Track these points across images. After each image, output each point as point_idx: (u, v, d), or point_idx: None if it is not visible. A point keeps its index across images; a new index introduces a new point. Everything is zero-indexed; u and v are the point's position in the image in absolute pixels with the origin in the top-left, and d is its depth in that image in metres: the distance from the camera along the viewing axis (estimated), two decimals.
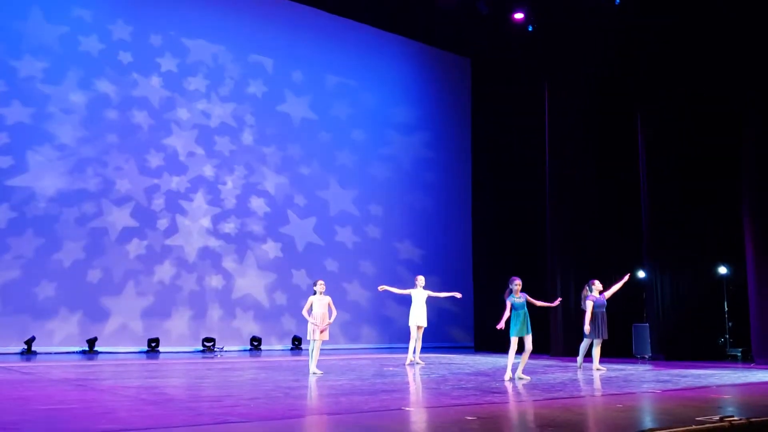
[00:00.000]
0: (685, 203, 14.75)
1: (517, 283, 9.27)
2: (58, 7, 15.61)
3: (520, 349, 9.30)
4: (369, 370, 10.80)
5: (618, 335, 12.07)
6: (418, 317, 12.22)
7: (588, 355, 11.45)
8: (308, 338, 10.04)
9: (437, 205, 20.86)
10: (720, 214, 14.76)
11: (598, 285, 11.47)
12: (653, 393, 7.74)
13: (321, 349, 10.28)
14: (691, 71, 14.95)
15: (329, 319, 9.98)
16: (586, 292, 11.45)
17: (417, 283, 12.47)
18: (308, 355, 10.19)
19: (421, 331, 12.38)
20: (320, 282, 10.08)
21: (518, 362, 9.41)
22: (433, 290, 12.95)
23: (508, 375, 9.16)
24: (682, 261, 14.62)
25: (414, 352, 12.20)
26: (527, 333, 9.24)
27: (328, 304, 10.03)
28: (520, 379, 9.09)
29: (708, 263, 14.75)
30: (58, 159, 15.22)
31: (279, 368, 11.03)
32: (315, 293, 9.99)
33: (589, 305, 11.24)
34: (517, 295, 9.27)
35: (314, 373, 9.70)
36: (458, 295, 12.63)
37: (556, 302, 10.57)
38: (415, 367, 11.53)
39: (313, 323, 9.84)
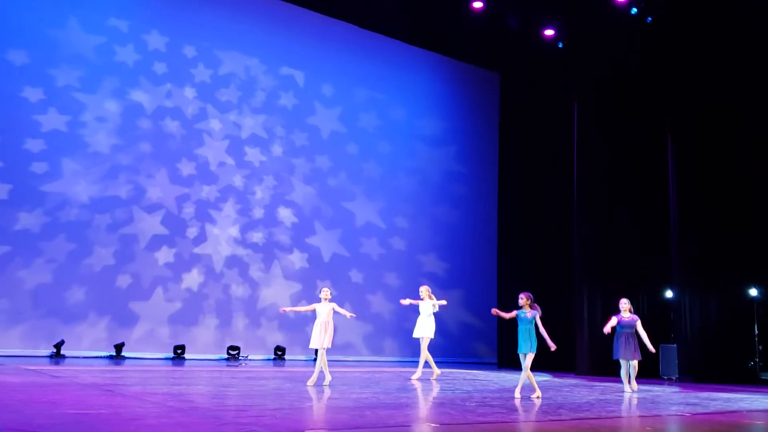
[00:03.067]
0: (717, 222, 14.56)
1: (523, 298, 9.13)
2: (95, 17, 15.95)
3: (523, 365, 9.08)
4: (393, 383, 10.77)
5: (644, 356, 11.87)
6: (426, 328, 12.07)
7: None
8: (312, 346, 9.85)
9: (463, 219, 20.82)
10: (752, 235, 14.54)
11: (624, 304, 11.16)
12: (682, 416, 7.63)
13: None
14: (723, 87, 14.80)
15: (347, 314, 9.89)
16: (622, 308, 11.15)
17: (422, 294, 12.35)
18: (315, 365, 10.02)
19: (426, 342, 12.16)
20: (325, 289, 10.00)
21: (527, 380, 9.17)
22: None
23: (524, 393, 8.99)
24: (711, 281, 14.43)
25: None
26: (531, 351, 8.94)
27: (333, 309, 9.91)
28: (516, 398, 8.85)
29: (738, 284, 14.53)
30: (92, 166, 15.50)
31: (303, 379, 11.05)
32: (320, 300, 9.93)
33: (639, 325, 10.87)
34: (526, 310, 9.11)
35: (327, 384, 9.63)
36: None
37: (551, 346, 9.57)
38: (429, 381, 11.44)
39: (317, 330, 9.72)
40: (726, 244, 14.47)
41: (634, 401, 9.21)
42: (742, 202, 14.55)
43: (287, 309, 10.95)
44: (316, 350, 9.99)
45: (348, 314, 10.04)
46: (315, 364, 9.85)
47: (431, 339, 12.05)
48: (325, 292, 9.92)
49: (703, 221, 14.65)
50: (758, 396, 10.69)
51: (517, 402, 8.40)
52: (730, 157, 14.69)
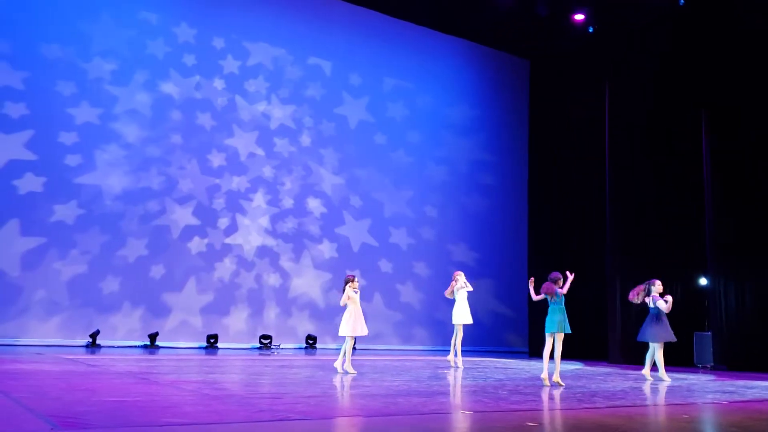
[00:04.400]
0: (752, 206, 14.25)
1: (555, 278, 9.03)
2: (126, 10, 16.12)
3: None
4: (424, 372, 10.79)
5: (679, 344, 11.71)
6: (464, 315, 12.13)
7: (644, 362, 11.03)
8: (345, 334, 10.00)
9: (493, 208, 20.69)
10: None
11: (658, 286, 10.82)
12: (719, 404, 7.52)
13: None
14: (758, 68, 14.44)
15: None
16: (645, 291, 10.80)
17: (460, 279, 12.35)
18: (342, 353, 10.14)
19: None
20: (355, 279, 10.15)
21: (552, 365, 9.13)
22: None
23: (544, 375, 8.92)
24: (747, 268, 14.15)
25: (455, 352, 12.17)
26: (563, 330, 8.83)
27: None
28: (559, 384, 8.81)
29: None
30: (124, 158, 15.71)
31: (335, 367, 11.11)
32: (349, 288, 10.01)
33: (662, 305, 10.56)
34: (559, 288, 8.98)
35: (348, 373, 9.71)
36: None
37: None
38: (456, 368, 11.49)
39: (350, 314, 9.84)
40: (761, 229, 14.17)
41: (663, 389, 9.10)
42: None
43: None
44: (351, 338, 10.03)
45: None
46: (348, 352, 9.94)
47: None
48: (356, 282, 10.03)
49: (737, 207, 14.36)
50: None
51: (552, 389, 8.35)
52: (765, 142, 14.36)
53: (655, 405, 7.36)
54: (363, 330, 9.99)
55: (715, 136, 14.80)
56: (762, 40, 14.32)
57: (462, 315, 12.25)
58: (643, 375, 10.75)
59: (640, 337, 10.92)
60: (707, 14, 15.27)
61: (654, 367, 10.93)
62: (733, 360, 13.71)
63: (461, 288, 12.37)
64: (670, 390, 9.01)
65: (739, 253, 14.24)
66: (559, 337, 8.93)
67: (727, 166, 14.57)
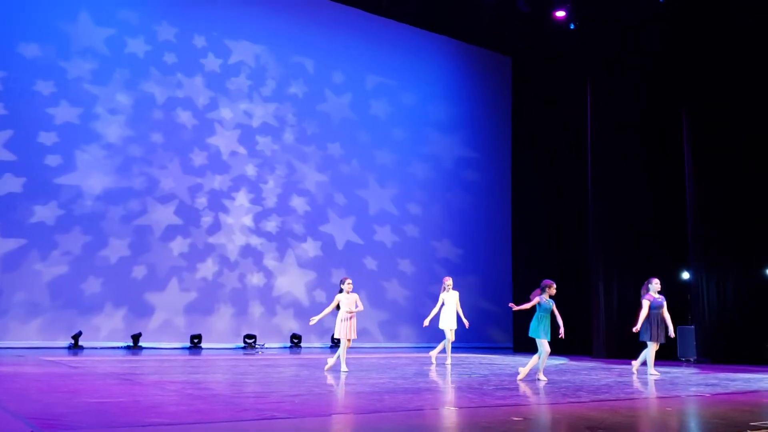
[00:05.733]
0: (732, 203, 14.41)
1: (551, 286, 9.12)
2: (105, 9, 15.95)
3: (534, 350, 9.13)
4: (410, 369, 10.78)
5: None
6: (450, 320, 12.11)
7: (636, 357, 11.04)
8: (337, 336, 9.94)
9: (476, 205, 20.74)
10: None
11: (656, 284, 10.70)
12: (702, 397, 7.57)
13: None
14: (737, 66, 14.59)
15: (356, 310, 9.89)
16: (645, 289, 10.79)
17: (447, 285, 12.31)
18: (336, 355, 10.11)
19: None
20: (348, 280, 10.00)
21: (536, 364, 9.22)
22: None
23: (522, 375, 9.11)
24: (728, 262, 14.30)
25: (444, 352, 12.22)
26: (547, 337, 9.01)
27: (356, 302, 9.94)
28: (539, 380, 8.92)
29: (756, 265, 14.38)
30: (105, 158, 15.55)
31: (320, 366, 11.08)
32: (342, 291, 9.92)
33: (645, 304, 10.50)
34: (547, 298, 9.10)
35: (345, 371, 9.73)
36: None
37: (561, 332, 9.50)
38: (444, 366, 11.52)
39: (344, 318, 9.77)
40: (742, 224, 14.33)
41: (652, 383, 9.16)
42: (759, 183, 14.38)
43: (315, 319, 10.08)
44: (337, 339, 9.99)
45: (360, 308, 10.05)
46: (336, 351, 9.86)
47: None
48: (349, 284, 9.91)
49: (719, 202, 14.50)
50: None
51: (539, 384, 8.38)
52: (745, 138, 14.52)
53: (639, 398, 7.40)
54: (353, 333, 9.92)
55: (696, 136, 14.91)
56: (744, 34, 14.44)
57: (445, 320, 12.17)
58: (630, 367, 10.77)
59: (645, 338, 10.77)
60: (693, 13, 15.36)
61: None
62: (716, 353, 13.83)
63: (447, 293, 12.25)
64: (654, 383, 9.07)
65: (720, 247, 14.38)
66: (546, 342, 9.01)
67: (709, 165, 14.70)
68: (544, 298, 9.06)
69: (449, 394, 7.41)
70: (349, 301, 9.83)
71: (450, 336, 12.12)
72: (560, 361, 13.63)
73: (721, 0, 14.79)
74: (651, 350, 10.56)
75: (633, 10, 16.25)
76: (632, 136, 16.21)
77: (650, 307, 10.55)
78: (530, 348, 17.72)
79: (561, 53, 18.72)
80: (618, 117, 16.40)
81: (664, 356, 14.35)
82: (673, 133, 15.58)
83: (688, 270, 15.16)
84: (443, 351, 12.28)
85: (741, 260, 14.27)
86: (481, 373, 10.40)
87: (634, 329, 10.55)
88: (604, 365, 12.77)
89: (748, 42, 14.45)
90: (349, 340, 9.87)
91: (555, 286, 9.20)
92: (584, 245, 17.04)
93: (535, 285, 17.82)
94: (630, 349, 14.85)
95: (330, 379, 8.65)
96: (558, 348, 15.88)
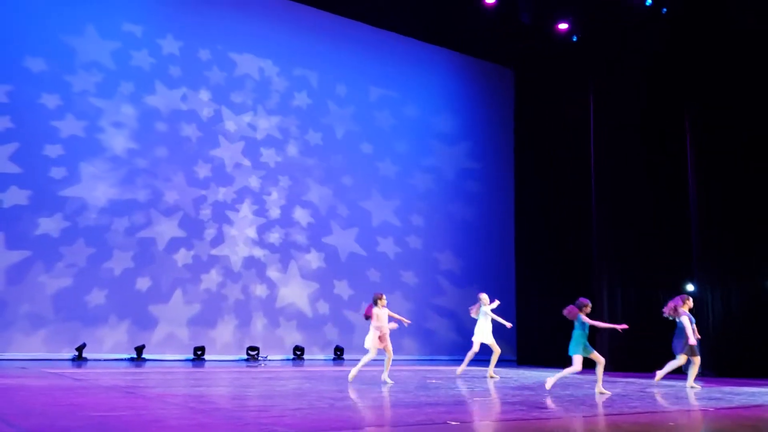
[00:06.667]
0: (737, 215, 14.37)
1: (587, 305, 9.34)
2: (110, 23, 16.07)
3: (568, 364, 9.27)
4: (412, 382, 10.77)
5: (666, 351, 11.78)
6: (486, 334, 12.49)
7: (675, 372, 11.20)
8: (366, 346, 10.30)
9: (479, 216, 20.75)
10: None
11: (690, 302, 11.10)
12: (706, 411, 7.55)
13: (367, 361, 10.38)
14: (738, 66, 14.58)
15: (399, 318, 10.53)
16: (679, 305, 11.04)
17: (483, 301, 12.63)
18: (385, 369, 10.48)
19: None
20: (383, 297, 10.41)
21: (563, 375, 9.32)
22: (474, 302, 13.07)
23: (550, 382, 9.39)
24: (734, 274, 14.26)
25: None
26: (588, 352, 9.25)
27: (389, 315, 10.38)
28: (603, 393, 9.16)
29: (761, 276, 14.33)
30: (110, 170, 15.63)
31: (322, 378, 11.08)
32: (376, 305, 10.21)
33: (686, 321, 10.82)
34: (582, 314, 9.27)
35: (386, 382, 10.14)
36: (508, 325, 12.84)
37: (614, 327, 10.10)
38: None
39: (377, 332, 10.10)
40: (747, 236, 14.29)
41: (657, 396, 9.13)
42: (763, 193, 14.35)
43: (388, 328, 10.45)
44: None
45: (404, 320, 10.65)
46: (362, 361, 10.37)
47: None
48: (384, 300, 10.32)
49: (723, 213, 14.48)
50: None
51: (541, 399, 8.36)
52: (750, 148, 14.50)
53: (642, 412, 7.38)
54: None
55: (698, 136, 14.93)
56: (745, 42, 14.47)
57: (479, 333, 12.53)
58: (689, 386, 10.85)
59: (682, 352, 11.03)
60: (694, 13, 15.39)
61: (678, 376, 11.16)
62: (721, 366, 13.77)
63: (482, 308, 12.54)
64: (657, 397, 9.04)
65: (724, 259, 14.34)
66: (595, 355, 9.30)
67: (712, 165, 14.68)
68: (584, 317, 9.15)
69: (451, 409, 7.39)
70: (383, 316, 10.11)
71: (475, 347, 12.61)
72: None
73: (721, 0, 14.82)
74: (678, 363, 10.93)
75: (633, 11, 16.29)
76: (636, 145, 16.23)
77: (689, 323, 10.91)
78: (534, 360, 17.74)
79: (563, 64, 18.79)
80: (621, 124, 16.43)
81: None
82: (678, 141, 15.58)
83: (692, 282, 15.12)
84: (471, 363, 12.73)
85: (746, 271, 14.22)
86: (484, 386, 10.38)
87: (691, 341, 10.77)
88: (608, 378, 12.71)
89: (749, 42, 14.46)
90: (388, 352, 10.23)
91: (590, 305, 9.40)
92: (589, 256, 17.02)
93: (538, 296, 17.86)
94: (634, 361, 14.84)
95: (332, 393, 8.64)
96: (562, 361, 15.86)
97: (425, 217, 19.90)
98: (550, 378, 9.48)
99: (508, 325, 12.80)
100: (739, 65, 14.62)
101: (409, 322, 10.97)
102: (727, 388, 10.63)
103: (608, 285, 15.81)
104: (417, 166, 20.02)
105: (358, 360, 10.42)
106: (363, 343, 10.31)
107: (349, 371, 10.41)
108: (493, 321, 12.73)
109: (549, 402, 8.02)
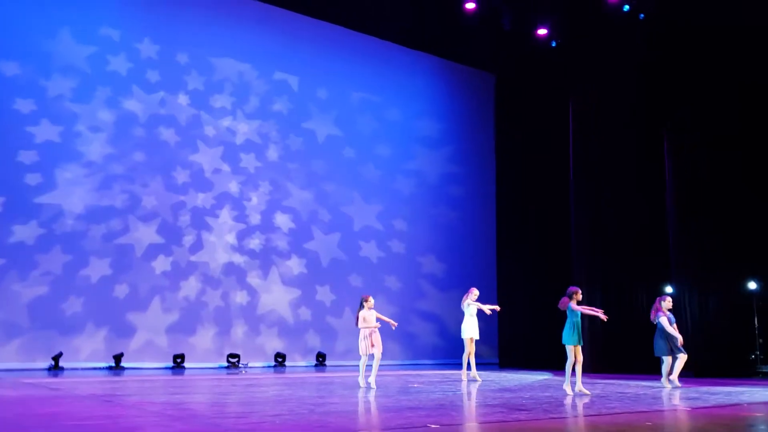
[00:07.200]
0: (713, 218, 14.55)
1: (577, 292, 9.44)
2: (86, 27, 15.90)
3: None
4: (394, 386, 10.73)
5: (645, 351, 11.89)
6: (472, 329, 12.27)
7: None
8: (361, 353, 10.40)
9: (461, 220, 20.79)
10: (750, 229, 14.52)
11: (669, 302, 11.44)
12: (683, 411, 7.59)
13: (347, 366, 10.36)
14: (718, 87, 14.81)
15: (386, 320, 10.60)
16: (658, 307, 11.38)
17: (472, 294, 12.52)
18: (358, 369, 10.60)
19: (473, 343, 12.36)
20: (370, 298, 10.40)
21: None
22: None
23: (568, 388, 9.43)
24: (710, 276, 14.41)
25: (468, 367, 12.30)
26: (575, 343, 9.38)
27: (376, 318, 10.42)
28: (584, 393, 9.25)
29: (737, 279, 14.50)
30: (86, 176, 15.45)
31: (303, 385, 11.01)
32: (362, 308, 10.22)
33: (665, 321, 11.19)
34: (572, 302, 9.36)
35: (370, 387, 10.11)
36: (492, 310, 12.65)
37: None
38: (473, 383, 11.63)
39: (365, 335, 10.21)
40: (724, 238, 14.46)
41: (633, 397, 9.17)
42: (738, 197, 14.53)
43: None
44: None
45: (391, 322, 10.73)
46: (359, 368, 10.53)
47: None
48: (371, 301, 10.40)
49: (700, 216, 14.63)
50: (759, 389, 10.66)
51: (522, 401, 8.36)
52: (726, 153, 14.69)
53: (620, 413, 7.40)
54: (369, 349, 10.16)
55: (677, 147, 15.09)
56: (720, 48, 14.66)
57: (468, 329, 12.30)
58: (662, 384, 11.11)
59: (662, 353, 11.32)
60: (673, 30, 15.57)
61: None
62: (699, 366, 13.88)
63: (471, 303, 12.41)
64: (636, 398, 9.08)
65: (702, 261, 14.49)
66: (577, 349, 9.41)
67: (689, 176, 14.86)
68: (574, 305, 9.22)
69: (431, 413, 7.36)
70: (370, 318, 10.08)
71: (467, 346, 12.32)
72: (544, 376, 13.62)
73: (700, 19, 14.99)
74: (667, 364, 11.22)
75: (609, 25, 16.45)
76: (614, 151, 16.36)
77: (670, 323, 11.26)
78: (516, 363, 17.78)
79: (543, 69, 18.89)
80: (600, 133, 16.56)
81: (649, 370, 14.39)
82: (656, 148, 15.74)
83: (671, 283, 15.25)
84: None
85: (723, 273, 14.38)
86: (466, 390, 10.36)
87: (679, 343, 11.14)
88: (587, 380, 12.75)
89: (726, 45, 14.64)
90: (372, 355, 10.25)
91: (580, 291, 9.51)
92: (568, 259, 17.11)
93: (520, 299, 17.91)
94: (614, 362, 14.94)
95: (312, 399, 8.59)
96: (542, 363, 15.92)
97: (408, 221, 19.89)
98: (565, 384, 9.57)
99: (494, 309, 12.61)
100: (718, 70, 14.80)
101: (396, 324, 10.95)
102: (704, 388, 10.71)
103: (588, 287, 15.88)
104: (399, 171, 20.02)
105: (342, 366, 10.41)
106: (347, 350, 10.31)
107: (332, 377, 10.35)
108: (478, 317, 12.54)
109: (528, 404, 8.02)
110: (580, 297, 9.47)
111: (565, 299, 9.46)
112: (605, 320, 9.84)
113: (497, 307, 12.95)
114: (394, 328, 10.92)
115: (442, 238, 20.34)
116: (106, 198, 15.57)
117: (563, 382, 9.73)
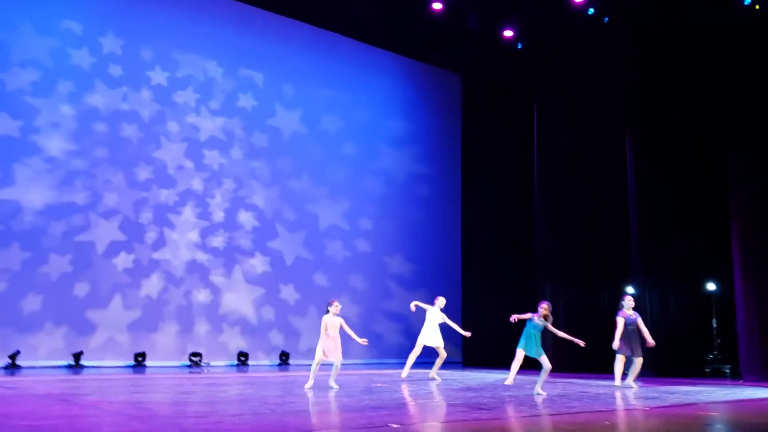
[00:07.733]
0: (674, 221, 14.86)
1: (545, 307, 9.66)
2: (47, 19, 15.56)
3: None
4: (357, 386, 10.73)
5: (605, 351, 12.06)
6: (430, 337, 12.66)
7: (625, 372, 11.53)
8: (316, 357, 10.17)
9: (428, 219, 20.84)
10: (709, 232, 14.84)
11: (629, 301, 11.58)
12: (641, 410, 7.72)
13: (309, 365, 10.30)
14: (680, 91, 15.11)
15: (352, 337, 10.27)
16: (620, 307, 11.60)
17: (437, 302, 12.81)
18: (309, 369, 10.40)
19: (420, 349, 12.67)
20: (336, 303, 10.15)
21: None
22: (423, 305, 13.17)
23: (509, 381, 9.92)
24: (670, 277, 14.70)
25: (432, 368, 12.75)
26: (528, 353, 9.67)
27: (341, 326, 10.06)
28: (539, 394, 9.32)
29: (696, 280, 14.81)
30: (46, 172, 15.12)
31: (266, 384, 10.94)
32: (328, 313, 10.08)
33: (619, 321, 11.33)
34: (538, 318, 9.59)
35: (331, 387, 9.99)
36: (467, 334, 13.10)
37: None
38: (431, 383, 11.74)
39: (322, 347, 9.88)
40: (684, 240, 14.77)
41: (590, 397, 9.30)
42: (699, 198, 14.85)
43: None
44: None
45: (358, 339, 10.43)
46: (312, 369, 10.31)
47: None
48: (336, 306, 9.96)
49: (661, 218, 14.92)
50: (716, 388, 10.90)
51: (483, 400, 8.42)
52: (686, 158, 15.00)
53: (579, 413, 7.50)
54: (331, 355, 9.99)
55: (639, 149, 15.36)
56: (686, 52, 14.96)
57: (424, 336, 12.76)
58: (627, 385, 11.16)
59: (622, 352, 11.45)
60: (635, 33, 15.83)
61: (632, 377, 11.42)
62: (658, 366, 14.14)
63: (430, 309, 12.78)
64: (595, 397, 9.22)
65: (662, 262, 14.77)
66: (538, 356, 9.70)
67: (650, 179, 15.13)
68: (535, 318, 9.38)
69: (393, 413, 7.38)
70: (333, 324, 9.94)
71: (417, 348, 12.90)
72: (506, 375, 13.72)
73: (665, 22, 15.27)
74: (622, 363, 11.33)
75: (574, 28, 16.66)
76: (578, 154, 16.59)
77: (625, 324, 11.37)
78: (479, 362, 17.90)
79: (509, 70, 19.07)
80: (564, 135, 16.78)
81: (608, 370, 14.58)
82: (619, 151, 15.98)
83: (631, 284, 15.50)
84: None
85: (682, 275, 14.68)
86: (428, 389, 10.41)
87: (613, 346, 11.32)
88: (550, 379, 12.90)
89: (693, 49, 14.95)
90: (326, 358, 10.03)
91: (546, 306, 9.74)
92: (533, 260, 17.29)
93: (484, 298, 18.03)
94: (577, 362, 15.11)
95: (273, 399, 8.54)
96: (505, 362, 16.02)
97: (374, 220, 19.88)
98: (508, 377, 9.87)
99: (467, 334, 13.01)
100: (681, 74, 15.09)
101: (365, 341, 10.62)
102: (664, 387, 10.92)
103: (552, 287, 16.09)
104: (366, 170, 19.99)
105: (305, 365, 10.37)
106: (310, 349, 10.23)
107: (295, 377, 10.29)
108: (444, 325, 12.83)
109: (490, 403, 8.08)
110: (545, 312, 9.58)
111: (548, 317, 9.63)
112: (583, 346, 9.88)
113: (468, 333, 13.12)
114: (364, 344, 10.68)
115: (408, 237, 20.37)
116: (66, 194, 15.26)
117: (527, 382, 9.85)
